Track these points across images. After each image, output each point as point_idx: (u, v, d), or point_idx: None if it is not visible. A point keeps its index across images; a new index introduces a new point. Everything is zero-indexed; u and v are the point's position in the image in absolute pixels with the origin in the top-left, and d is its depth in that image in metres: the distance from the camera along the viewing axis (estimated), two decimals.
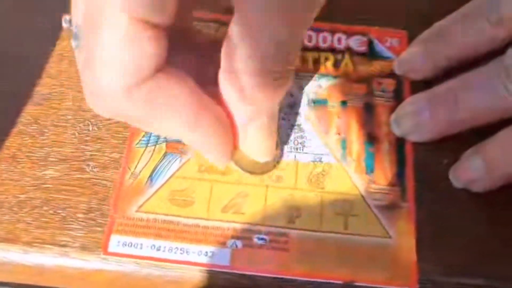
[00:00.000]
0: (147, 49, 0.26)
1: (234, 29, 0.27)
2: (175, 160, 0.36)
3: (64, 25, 0.32)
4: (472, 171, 0.34)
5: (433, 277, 0.33)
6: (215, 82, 0.30)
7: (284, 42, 0.27)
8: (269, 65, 0.28)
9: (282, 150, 0.36)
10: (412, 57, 0.38)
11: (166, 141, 0.37)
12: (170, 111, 0.29)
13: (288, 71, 0.29)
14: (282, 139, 0.37)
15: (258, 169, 0.35)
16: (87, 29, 0.27)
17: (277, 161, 0.36)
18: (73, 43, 0.29)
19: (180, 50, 0.32)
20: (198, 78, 0.30)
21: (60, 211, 0.35)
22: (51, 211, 0.35)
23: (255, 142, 0.33)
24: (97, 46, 0.26)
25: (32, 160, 0.37)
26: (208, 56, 0.31)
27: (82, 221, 0.35)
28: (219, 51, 0.29)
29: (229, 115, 0.31)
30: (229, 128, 0.31)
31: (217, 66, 0.29)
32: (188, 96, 0.29)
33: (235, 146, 0.33)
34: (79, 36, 0.28)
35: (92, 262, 0.34)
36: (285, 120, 0.37)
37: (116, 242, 0.34)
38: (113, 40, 0.26)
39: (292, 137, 0.37)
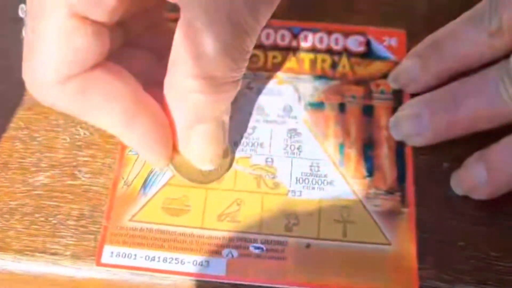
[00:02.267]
0: (83, 44, 0.28)
1: (177, 32, 0.28)
2: (169, 168, 0.35)
3: (21, 15, 0.32)
4: (474, 178, 0.34)
5: (434, 284, 0.32)
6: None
7: (228, 47, 0.27)
8: (212, 70, 0.28)
9: (232, 159, 0.36)
10: (407, 70, 0.37)
11: None
12: (104, 106, 0.30)
13: (232, 77, 0.29)
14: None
15: (199, 177, 0.34)
16: (29, 19, 0.28)
17: (224, 171, 0.35)
18: (23, 33, 0.30)
19: (142, 49, 0.34)
20: (149, 78, 0.32)
21: (51, 218, 0.34)
22: (42, 218, 0.34)
23: (198, 148, 0.32)
24: (35, 37, 0.28)
25: (23, 166, 0.36)
26: (164, 57, 0.31)
27: (74, 229, 0.34)
28: None
29: (173, 117, 0.31)
30: (168, 130, 0.32)
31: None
32: (125, 94, 0.30)
33: (178, 152, 0.33)
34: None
35: (83, 271, 0.33)
36: (281, 124, 0.37)
37: (109, 253, 0.33)
38: (49, 33, 0.27)
39: (288, 142, 0.36)
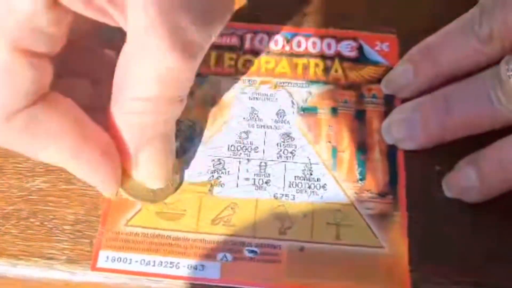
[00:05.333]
0: (27, 78, 0.26)
1: (121, 55, 0.27)
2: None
3: None
4: (465, 182, 0.34)
5: (426, 286, 0.33)
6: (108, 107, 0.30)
7: (172, 69, 0.27)
8: (156, 91, 0.28)
9: (182, 175, 0.36)
10: (400, 76, 0.37)
11: None
12: (49, 141, 0.28)
13: (177, 97, 0.29)
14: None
15: (150, 196, 0.34)
16: None
17: (175, 186, 0.35)
18: None
19: (76, 74, 0.33)
20: (92, 102, 0.31)
21: (47, 223, 0.34)
22: (38, 223, 0.34)
23: (147, 169, 0.32)
24: None
25: (18, 171, 0.36)
26: (105, 82, 0.30)
27: (69, 233, 0.34)
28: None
29: (120, 142, 0.30)
30: (116, 157, 0.31)
31: (111, 93, 0.29)
32: (70, 126, 0.29)
33: (127, 174, 0.32)
34: None
35: (79, 275, 0.33)
36: (275, 129, 0.37)
37: (104, 257, 0.33)
38: None
39: (281, 147, 0.36)
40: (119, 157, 0.31)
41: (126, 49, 0.27)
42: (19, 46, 0.26)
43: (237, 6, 0.41)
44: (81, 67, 0.33)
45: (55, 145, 0.29)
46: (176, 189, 0.35)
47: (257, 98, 0.38)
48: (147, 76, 0.27)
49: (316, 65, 0.39)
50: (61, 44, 0.28)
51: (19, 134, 0.28)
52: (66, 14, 0.26)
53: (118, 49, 0.28)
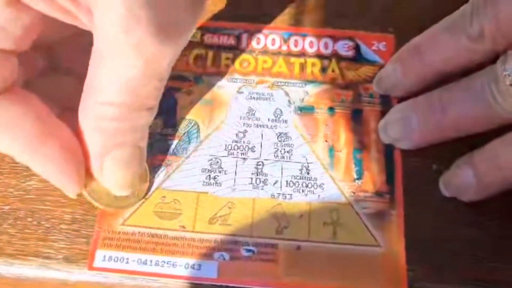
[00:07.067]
0: None
1: (91, 57, 0.27)
2: (160, 173, 0.35)
3: None
4: (462, 180, 0.34)
5: (423, 285, 0.33)
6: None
7: (141, 75, 0.27)
8: (124, 97, 0.28)
9: (150, 185, 0.35)
10: (390, 75, 0.38)
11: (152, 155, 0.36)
12: (7, 133, 0.29)
13: (146, 105, 0.29)
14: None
15: (114, 203, 0.34)
16: None
17: (141, 196, 0.35)
18: None
19: (65, 71, 0.33)
20: (69, 103, 0.30)
21: (43, 222, 0.35)
22: (35, 222, 0.35)
23: (112, 174, 0.32)
24: None
25: (15, 170, 0.36)
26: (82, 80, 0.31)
27: (66, 233, 0.34)
28: None
29: (86, 144, 0.30)
30: (80, 157, 0.31)
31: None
32: (28, 119, 0.29)
33: (92, 178, 0.32)
34: None
35: (75, 274, 0.33)
36: (272, 128, 0.37)
37: (101, 257, 0.33)
38: None
39: (278, 146, 0.36)
40: (84, 158, 0.31)
41: (94, 50, 0.27)
42: None
43: (235, 6, 0.41)
44: (70, 64, 0.33)
45: (10, 135, 0.29)
46: (141, 198, 0.35)
47: (254, 98, 0.38)
48: (113, 81, 0.27)
49: (313, 64, 0.39)
50: (27, 42, 0.28)
51: None
52: (27, 12, 0.26)
53: None
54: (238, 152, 0.36)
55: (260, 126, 0.37)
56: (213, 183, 0.35)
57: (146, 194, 0.35)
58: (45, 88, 0.30)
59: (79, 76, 0.32)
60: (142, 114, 0.29)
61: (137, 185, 0.34)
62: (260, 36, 0.40)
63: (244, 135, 0.37)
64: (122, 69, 0.27)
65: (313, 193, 0.35)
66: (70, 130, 0.30)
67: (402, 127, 0.36)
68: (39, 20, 0.27)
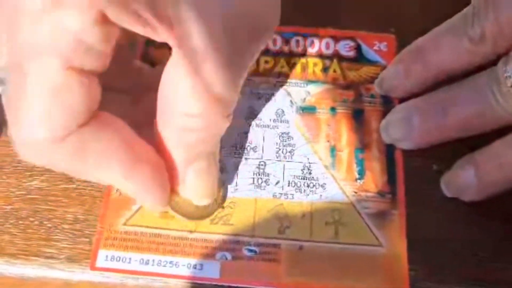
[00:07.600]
0: (79, 99, 0.25)
1: (169, 71, 0.27)
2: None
3: None
4: (463, 181, 0.34)
5: (425, 285, 0.33)
6: (151, 124, 0.29)
7: (223, 86, 0.27)
8: (207, 108, 0.27)
9: (226, 191, 0.35)
10: (392, 76, 0.38)
11: None
12: (100, 162, 0.27)
13: (226, 113, 0.28)
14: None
15: (198, 214, 0.34)
16: (13, 74, 0.25)
17: (219, 202, 0.35)
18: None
19: (116, 92, 0.31)
20: (134, 120, 0.29)
21: (46, 222, 0.35)
22: (37, 222, 0.35)
23: (195, 185, 0.31)
24: (22, 95, 0.25)
25: (18, 170, 0.36)
26: (144, 96, 0.30)
27: (69, 232, 0.34)
28: (153, 91, 0.28)
29: (168, 158, 0.30)
30: (165, 175, 0.30)
31: (152, 107, 0.28)
32: (120, 146, 0.28)
33: (173, 191, 0.31)
34: (5, 81, 0.26)
35: (78, 274, 0.33)
36: (274, 128, 0.37)
37: (104, 257, 0.33)
38: (39, 89, 0.24)
39: (280, 146, 0.36)
40: (168, 175, 0.30)
41: (175, 64, 0.26)
42: (70, 65, 0.24)
43: None
44: (119, 81, 0.32)
45: (107, 166, 0.27)
46: (220, 205, 0.35)
47: (256, 98, 0.38)
48: (196, 91, 0.26)
49: (315, 64, 0.39)
50: (109, 61, 0.26)
51: (70, 156, 0.26)
52: (114, 30, 0.25)
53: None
54: (240, 152, 0.36)
55: (262, 126, 0.37)
56: None
57: (224, 199, 0.35)
58: (104, 108, 0.28)
59: (128, 92, 0.32)
60: (223, 121, 0.28)
61: (216, 193, 0.33)
62: None
63: (246, 135, 0.37)
64: (206, 80, 0.26)
65: (315, 193, 0.35)
66: (153, 149, 0.29)
67: (403, 128, 0.36)
68: (118, 36, 0.26)
